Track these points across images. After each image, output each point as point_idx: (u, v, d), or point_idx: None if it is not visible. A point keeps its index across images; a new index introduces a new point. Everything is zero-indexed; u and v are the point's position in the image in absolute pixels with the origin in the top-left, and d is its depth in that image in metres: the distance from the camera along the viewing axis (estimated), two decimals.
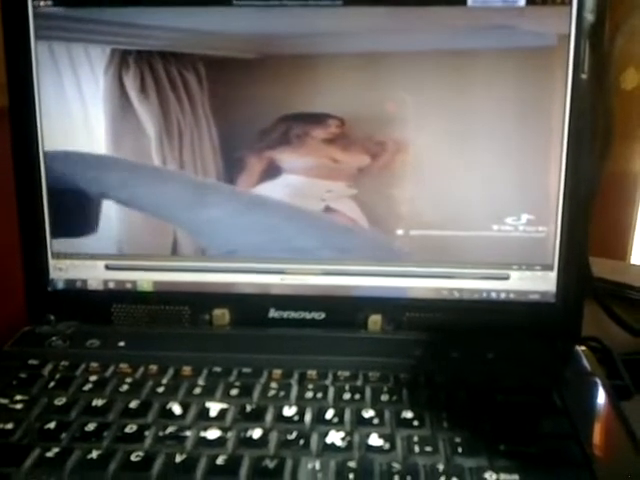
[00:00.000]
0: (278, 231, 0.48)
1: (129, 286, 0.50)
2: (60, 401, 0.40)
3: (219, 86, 0.47)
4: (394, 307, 0.49)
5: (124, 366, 0.44)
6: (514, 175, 0.47)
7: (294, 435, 0.37)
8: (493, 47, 0.45)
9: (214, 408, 0.40)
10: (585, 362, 0.45)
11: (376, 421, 0.38)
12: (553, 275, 0.48)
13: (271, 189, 0.48)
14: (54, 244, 0.49)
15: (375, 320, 0.49)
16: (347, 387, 0.41)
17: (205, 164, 0.48)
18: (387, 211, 0.48)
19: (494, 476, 0.34)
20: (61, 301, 0.50)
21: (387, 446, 0.36)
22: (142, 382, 0.42)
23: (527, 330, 0.48)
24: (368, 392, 0.41)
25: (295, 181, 0.48)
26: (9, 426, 0.38)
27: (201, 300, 0.49)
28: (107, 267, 0.50)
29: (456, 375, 0.43)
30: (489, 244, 0.48)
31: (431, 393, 0.41)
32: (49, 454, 0.36)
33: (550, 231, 0.47)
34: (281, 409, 0.39)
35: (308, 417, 0.39)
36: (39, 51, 0.47)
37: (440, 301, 0.49)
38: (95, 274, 0.50)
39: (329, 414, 0.39)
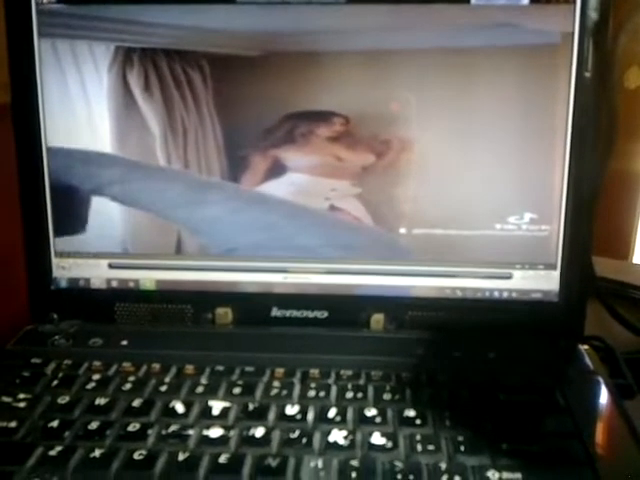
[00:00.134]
0: (280, 229, 0.48)
1: (132, 285, 0.50)
2: (63, 400, 0.40)
3: (223, 84, 0.47)
4: (397, 306, 0.49)
5: (127, 365, 0.44)
6: (517, 174, 0.47)
7: (297, 434, 0.37)
8: (497, 45, 0.45)
9: (217, 407, 0.40)
10: (588, 361, 0.45)
11: (378, 420, 0.38)
12: (556, 274, 0.48)
13: (275, 187, 0.48)
14: (57, 243, 0.49)
15: (378, 319, 0.49)
16: (349, 386, 0.41)
17: (209, 162, 0.48)
18: (391, 210, 0.48)
19: (497, 475, 0.34)
20: (64, 300, 0.50)
21: (389, 445, 0.36)
22: (145, 381, 0.42)
23: (530, 329, 0.48)
24: (370, 391, 0.41)
25: (299, 179, 0.48)
26: (12, 424, 0.38)
27: (204, 299, 0.49)
28: (110, 266, 0.50)
29: (459, 374, 0.43)
30: (492, 243, 0.48)
31: (433, 392, 0.41)
32: (52, 452, 0.36)
33: (553, 230, 0.47)
34: (284, 408, 0.39)
35: (311, 416, 0.39)
36: (42, 48, 0.47)
37: (443, 300, 0.49)
38: (98, 273, 0.50)
39: (332, 413, 0.39)
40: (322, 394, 0.41)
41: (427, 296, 0.49)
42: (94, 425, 0.38)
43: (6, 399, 0.40)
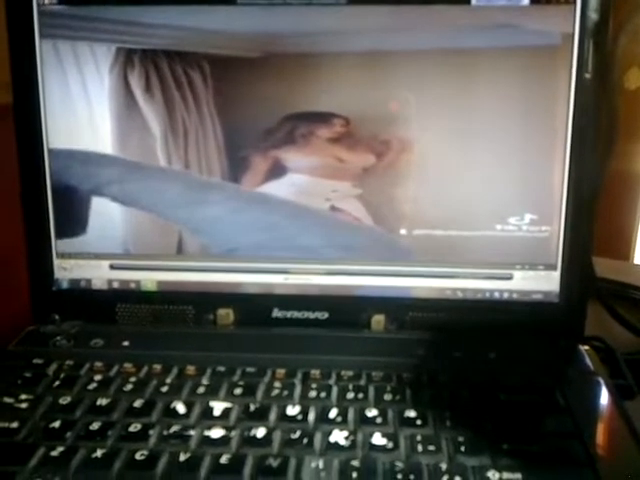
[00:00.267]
0: (281, 229, 0.48)
1: (133, 286, 0.50)
2: (65, 400, 0.40)
3: (224, 85, 0.47)
4: (397, 307, 0.49)
5: (128, 365, 0.44)
6: (517, 175, 0.47)
7: (298, 434, 0.37)
8: (497, 46, 0.45)
9: (218, 407, 0.40)
10: (588, 361, 0.45)
11: (379, 420, 0.38)
12: (556, 275, 0.48)
13: (276, 188, 0.48)
14: (59, 244, 0.49)
15: (378, 320, 0.49)
16: (350, 386, 0.42)
17: (210, 163, 0.48)
18: (391, 210, 0.48)
19: (497, 475, 0.34)
20: (66, 301, 0.50)
21: (390, 445, 0.36)
22: (146, 381, 0.42)
23: (530, 329, 0.48)
24: (371, 391, 0.41)
25: (300, 180, 0.48)
26: (14, 425, 0.38)
27: (205, 300, 0.49)
28: (111, 267, 0.50)
29: (459, 374, 0.43)
30: (492, 244, 0.48)
31: (434, 392, 0.41)
32: (54, 453, 0.36)
33: (553, 231, 0.47)
34: (285, 408, 0.39)
35: (312, 416, 0.39)
36: (44, 49, 0.47)
37: (443, 301, 0.49)
38: (99, 274, 0.50)
39: (332, 413, 0.39)
40: (323, 395, 0.41)
41: (428, 297, 0.49)
42: (96, 425, 0.38)
43: (8, 400, 0.41)
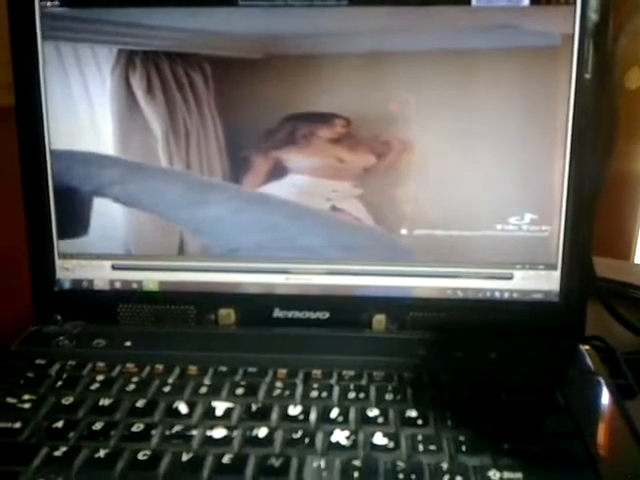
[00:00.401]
0: (282, 230, 0.49)
1: (135, 286, 0.50)
2: (67, 400, 0.41)
3: (225, 86, 0.47)
4: (398, 307, 0.49)
5: (130, 366, 0.44)
6: (518, 175, 0.47)
7: (299, 434, 0.37)
8: (497, 47, 0.45)
9: (220, 407, 0.40)
10: (588, 361, 0.46)
11: (380, 420, 0.39)
12: (557, 274, 0.48)
13: (277, 188, 0.48)
14: (60, 244, 0.49)
15: (379, 319, 0.49)
16: (352, 386, 0.42)
17: (211, 163, 0.48)
18: (392, 211, 0.48)
19: (498, 475, 0.34)
20: (68, 301, 0.50)
21: (391, 445, 0.37)
22: (148, 381, 0.42)
23: (531, 329, 0.48)
24: (372, 391, 0.41)
25: (301, 181, 0.48)
26: (17, 425, 0.38)
27: (207, 300, 0.49)
28: (113, 267, 0.50)
29: (460, 374, 0.43)
30: (493, 243, 0.48)
31: (435, 392, 0.41)
32: (57, 453, 0.36)
33: (554, 230, 0.47)
34: (286, 408, 0.40)
35: (313, 416, 0.39)
36: (46, 51, 0.47)
37: (444, 300, 0.49)
38: (101, 274, 0.50)
39: (334, 413, 0.39)
40: (324, 394, 0.41)
41: (428, 297, 0.49)
42: (98, 425, 0.38)
43: (11, 400, 0.41)
